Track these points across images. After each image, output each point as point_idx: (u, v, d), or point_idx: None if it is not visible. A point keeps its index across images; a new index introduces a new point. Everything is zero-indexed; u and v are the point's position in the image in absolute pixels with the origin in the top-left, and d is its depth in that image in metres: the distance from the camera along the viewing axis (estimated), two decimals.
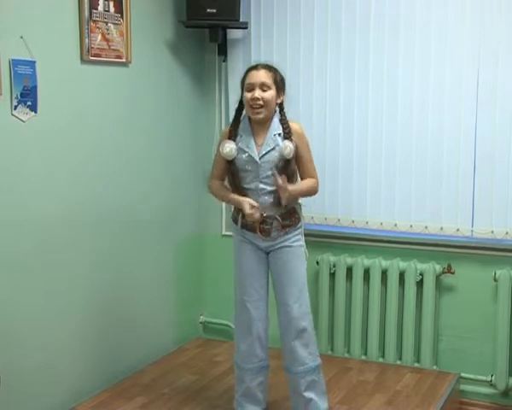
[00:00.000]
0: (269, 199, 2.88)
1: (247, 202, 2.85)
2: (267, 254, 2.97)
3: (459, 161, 3.53)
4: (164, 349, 3.86)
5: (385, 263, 3.74)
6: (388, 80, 3.64)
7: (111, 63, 3.35)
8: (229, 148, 2.87)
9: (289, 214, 2.93)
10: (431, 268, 3.66)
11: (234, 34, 3.92)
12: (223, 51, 3.95)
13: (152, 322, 3.80)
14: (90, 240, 3.32)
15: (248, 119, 2.92)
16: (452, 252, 3.64)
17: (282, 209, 2.89)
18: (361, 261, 3.78)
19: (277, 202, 2.87)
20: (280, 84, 2.90)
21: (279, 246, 2.93)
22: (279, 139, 2.87)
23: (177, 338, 4.03)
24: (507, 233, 3.48)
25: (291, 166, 2.89)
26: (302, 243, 2.99)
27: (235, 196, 2.91)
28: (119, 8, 3.37)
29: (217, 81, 4.05)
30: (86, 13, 3.17)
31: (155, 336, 3.84)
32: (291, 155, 2.85)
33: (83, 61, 3.18)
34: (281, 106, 2.93)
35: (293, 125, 2.92)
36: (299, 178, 3.00)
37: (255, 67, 2.90)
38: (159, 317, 3.87)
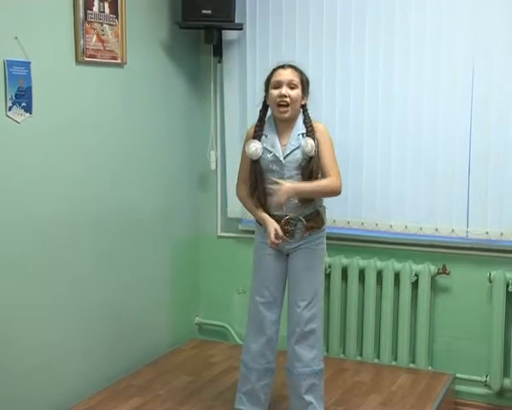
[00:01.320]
0: (293, 200, 2.86)
1: (274, 229, 2.84)
2: (287, 255, 2.96)
3: (454, 161, 3.53)
4: (159, 350, 3.85)
5: (380, 264, 3.74)
6: (383, 81, 3.64)
7: (106, 64, 3.34)
8: (255, 147, 2.87)
9: (313, 216, 2.92)
10: (426, 269, 3.66)
11: (229, 35, 3.92)
12: (218, 52, 3.94)
13: (148, 323, 3.79)
14: (86, 241, 3.31)
15: (273, 120, 2.92)
16: (447, 253, 3.64)
17: (306, 211, 2.88)
18: (356, 262, 3.77)
19: (303, 203, 2.86)
20: (305, 86, 2.91)
21: (301, 247, 2.92)
22: (302, 139, 2.87)
23: (173, 339, 4.02)
24: (502, 234, 3.49)
25: (314, 165, 2.86)
26: (324, 246, 2.98)
27: (264, 215, 2.89)
28: (115, 9, 3.36)
29: (212, 82, 4.03)
30: (81, 14, 3.16)
31: (151, 337, 3.83)
32: (312, 152, 2.83)
33: (78, 62, 3.17)
34: (304, 107, 2.92)
35: (317, 125, 2.92)
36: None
37: (282, 66, 2.89)
38: (154, 318, 3.86)
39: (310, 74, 3.56)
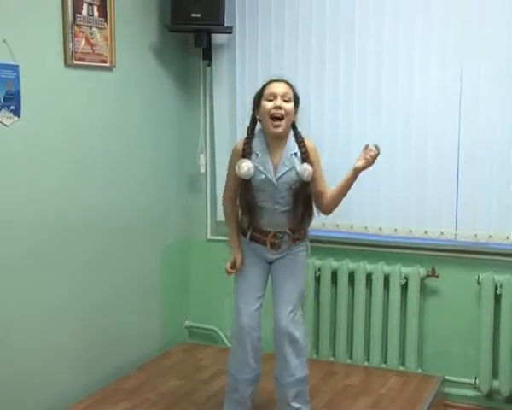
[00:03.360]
0: (282, 218, 2.88)
1: (234, 259, 2.90)
2: (270, 263, 2.98)
3: (443, 165, 3.54)
4: (149, 354, 3.85)
5: (370, 267, 3.75)
6: (372, 85, 3.65)
7: (95, 67, 3.34)
8: (247, 167, 2.81)
9: (299, 228, 2.94)
10: (415, 272, 3.68)
11: (218, 39, 3.92)
12: (207, 56, 3.94)
13: (137, 326, 3.78)
14: (75, 245, 3.31)
15: (264, 135, 2.87)
16: (436, 255, 3.65)
17: (293, 226, 2.90)
18: (346, 265, 3.78)
19: (291, 220, 2.88)
20: (297, 101, 2.89)
21: (286, 257, 2.95)
22: (295, 160, 2.85)
23: (163, 343, 4.02)
24: (490, 237, 3.51)
25: (307, 188, 2.89)
26: (306, 253, 3.01)
27: (234, 241, 2.95)
28: (103, 13, 3.36)
29: (201, 85, 4.03)
30: (70, 17, 3.15)
31: (140, 341, 3.82)
32: (309, 179, 2.85)
33: (67, 65, 3.17)
34: (293, 124, 2.91)
35: (308, 144, 2.90)
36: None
37: (275, 80, 2.87)
38: (144, 321, 3.85)
39: (298, 78, 3.62)
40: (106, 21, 3.36)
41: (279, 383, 2.97)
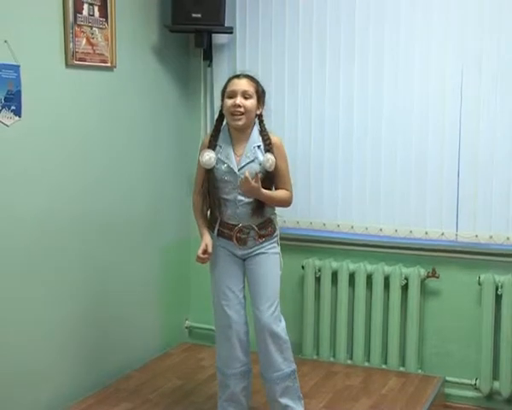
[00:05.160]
0: (247, 210, 2.92)
1: (204, 244, 2.92)
2: (243, 260, 3.01)
3: (443, 165, 3.55)
4: (149, 354, 3.85)
5: (370, 267, 3.76)
6: (373, 85, 3.67)
7: (96, 67, 3.34)
8: (209, 156, 2.89)
9: (266, 224, 2.97)
10: (416, 272, 3.68)
11: (219, 39, 3.93)
12: (208, 56, 3.94)
13: (137, 327, 3.77)
14: (75, 244, 3.31)
15: (228, 129, 2.95)
16: (437, 256, 3.66)
17: (259, 219, 2.93)
18: (346, 266, 3.79)
19: (255, 213, 2.92)
20: (261, 96, 2.94)
21: (255, 253, 2.97)
22: (258, 152, 2.91)
23: (163, 343, 4.01)
24: (491, 237, 3.51)
25: (270, 180, 2.93)
26: (277, 250, 3.03)
27: (203, 229, 2.98)
28: (104, 13, 3.36)
29: (202, 86, 4.03)
30: (71, 17, 3.15)
31: (140, 341, 3.82)
32: (272, 168, 2.89)
33: (67, 65, 3.17)
34: (260, 118, 2.96)
35: (274, 138, 2.95)
36: None
37: (237, 76, 2.94)
38: (144, 322, 3.85)
39: (299, 79, 3.72)
40: (107, 21, 3.37)
41: (265, 380, 2.98)
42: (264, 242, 2.96)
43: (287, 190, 2.98)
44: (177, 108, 4.04)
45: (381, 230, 3.72)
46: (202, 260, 2.95)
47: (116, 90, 3.53)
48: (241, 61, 3.90)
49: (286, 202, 3.02)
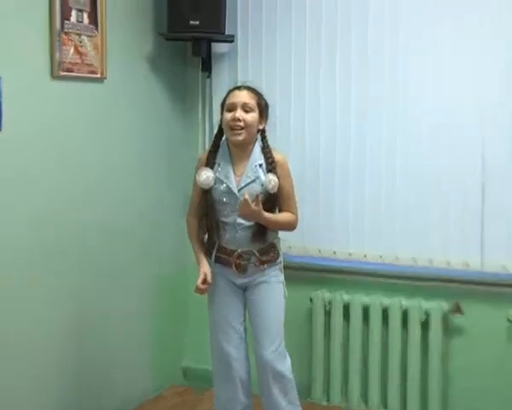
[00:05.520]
0: (247, 234, 2.94)
1: (203, 273, 2.94)
2: (244, 290, 3.04)
3: (466, 189, 3.56)
4: (140, 397, 3.83)
5: (386, 301, 3.73)
6: (387, 95, 3.68)
7: (84, 79, 3.33)
8: (206, 176, 2.91)
9: (268, 249, 3.00)
10: (437, 307, 3.64)
11: (219, 48, 3.94)
12: (207, 67, 3.96)
13: (127, 366, 3.73)
14: (55, 280, 3.26)
15: (227, 146, 2.98)
16: (461, 288, 3.63)
17: (260, 244, 2.95)
18: (359, 299, 3.76)
19: (256, 237, 2.93)
20: (263, 109, 2.97)
21: (256, 282, 3.00)
22: (260, 171, 2.93)
23: (155, 385, 3.98)
24: None
25: (273, 202, 2.95)
26: (281, 279, 3.05)
27: (201, 257, 2.99)
28: (94, 19, 3.36)
29: (200, 99, 4.04)
30: (57, 24, 3.14)
31: (130, 383, 3.77)
32: (275, 190, 2.91)
33: (53, 76, 3.16)
34: (263, 133, 2.99)
35: (277, 156, 2.96)
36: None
37: (238, 88, 2.98)
38: (134, 361, 3.80)
39: (305, 90, 3.77)
40: (96, 29, 3.37)
41: None
42: (266, 269, 2.98)
43: (291, 212, 3.00)
44: (172, 123, 4.04)
45: (397, 258, 3.71)
46: (201, 291, 2.97)
47: (106, 104, 3.52)
48: (242, 72, 3.91)
49: (290, 226, 3.03)
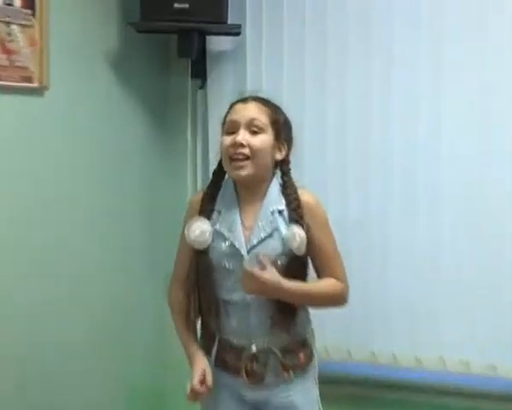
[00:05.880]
0: (263, 320, 2.71)
1: (201, 370, 2.73)
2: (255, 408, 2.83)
3: None
4: None
5: None
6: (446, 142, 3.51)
7: (14, 90, 3.15)
8: (200, 230, 2.70)
9: (296, 347, 2.76)
10: None
11: (218, 44, 3.80)
12: (199, 72, 3.83)
13: None
14: None
15: (234, 185, 2.81)
16: None
17: (283, 336, 2.72)
18: None
19: (278, 323, 2.72)
20: (281, 129, 2.76)
21: (277, 401, 2.76)
22: (280, 220, 2.70)
23: None
24: None
25: (301, 267, 2.75)
26: (315, 395, 2.85)
27: (193, 350, 2.79)
28: (30, 2, 3.16)
29: (189, 118, 3.91)
30: None
31: None
32: (303, 251, 2.67)
33: None
34: (283, 166, 2.78)
35: (305, 197, 2.74)
36: None
37: (243, 99, 2.78)
38: None
39: (328, 97, 3.65)
40: (33, 15, 3.18)
41: None
42: (292, 379, 2.75)
43: (335, 277, 2.77)
44: (149, 154, 3.93)
45: (467, 364, 3.49)
46: (195, 397, 2.71)
47: (48, 127, 3.30)
48: (253, 80, 3.72)
49: (335, 299, 2.81)
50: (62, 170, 3.37)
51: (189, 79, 3.84)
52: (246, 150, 2.66)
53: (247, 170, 2.67)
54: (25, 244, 3.21)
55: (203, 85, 3.82)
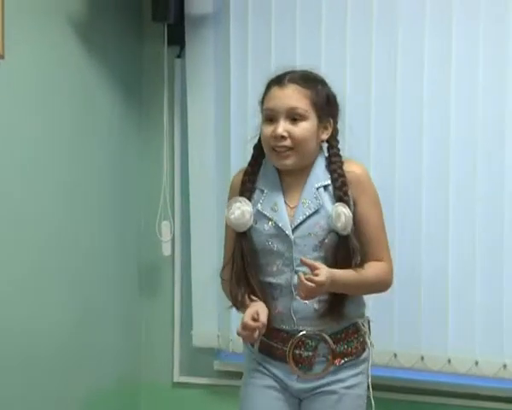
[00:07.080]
0: (311, 304, 2.68)
1: (250, 313, 2.64)
2: (300, 400, 2.79)
3: None
4: None
5: None
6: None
7: None
8: (241, 211, 2.70)
9: (348, 333, 2.72)
10: None
11: (198, 6, 3.57)
12: (177, 38, 3.64)
13: None
14: None
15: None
16: None
17: (335, 323, 2.70)
18: None
19: (328, 309, 2.69)
20: (325, 109, 2.69)
21: (322, 390, 2.71)
22: (325, 196, 2.69)
23: None
24: None
25: (347, 244, 2.68)
26: (364, 388, 2.75)
27: (245, 300, 2.76)
28: None
29: (166, 91, 3.69)
30: None
31: None
32: (348, 230, 2.63)
33: None
34: (331, 140, 2.73)
35: (352, 167, 2.72)
36: None
37: (279, 81, 2.68)
38: None
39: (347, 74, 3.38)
40: None
41: None
42: (341, 368, 2.70)
43: (380, 259, 2.72)
44: (119, 133, 3.72)
45: None
46: (248, 335, 2.63)
47: (4, 100, 3.08)
48: (238, 48, 3.48)
49: (380, 285, 2.77)
50: (23, 150, 3.17)
51: (165, 46, 3.64)
52: (287, 142, 2.64)
53: (291, 160, 2.67)
54: None
55: (181, 53, 3.65)
